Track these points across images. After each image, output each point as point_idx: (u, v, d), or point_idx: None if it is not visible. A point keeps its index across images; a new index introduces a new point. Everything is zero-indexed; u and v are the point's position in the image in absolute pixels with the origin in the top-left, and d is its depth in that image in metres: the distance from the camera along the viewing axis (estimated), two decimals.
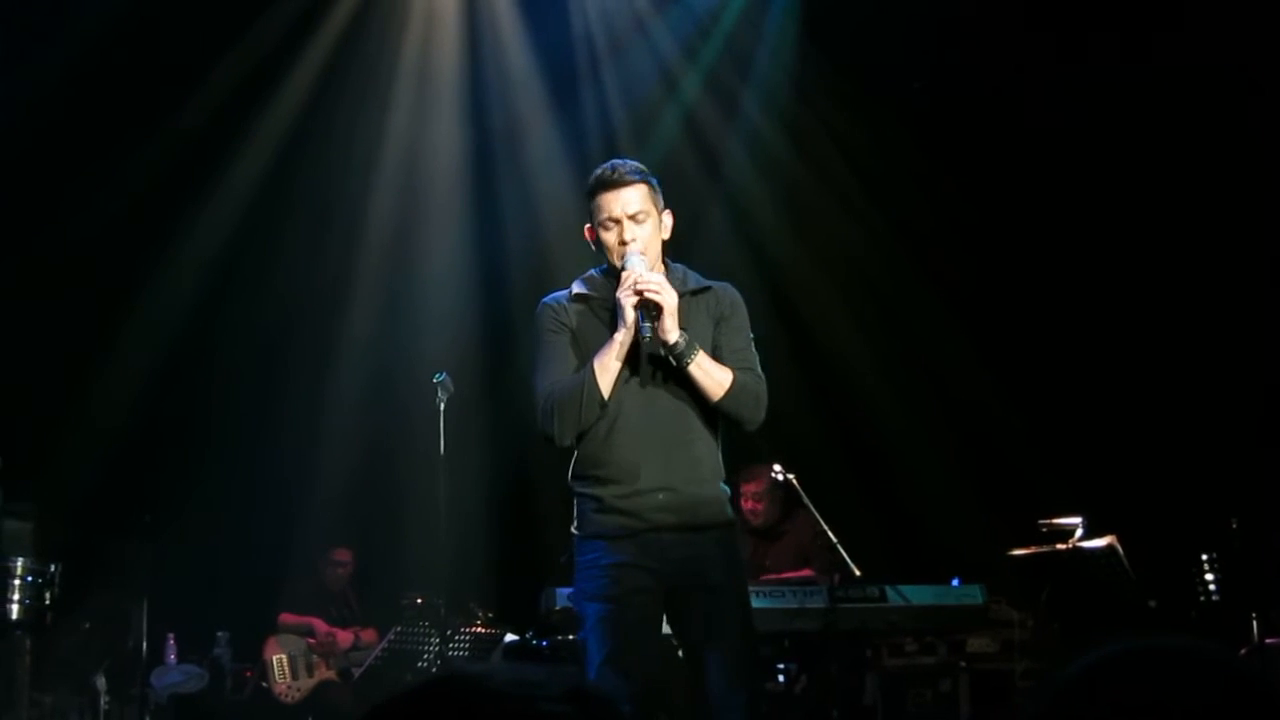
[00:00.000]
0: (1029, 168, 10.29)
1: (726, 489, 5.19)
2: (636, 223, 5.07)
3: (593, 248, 5.24)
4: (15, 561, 7.71)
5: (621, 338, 4.95)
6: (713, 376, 5.01)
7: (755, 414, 5.14)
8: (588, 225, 5.23)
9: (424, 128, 11.26)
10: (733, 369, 5.08)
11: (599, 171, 5.18)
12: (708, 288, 5.25)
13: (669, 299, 4.92)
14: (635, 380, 5.03)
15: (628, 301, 4.91)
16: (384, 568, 10.84)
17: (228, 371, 10.92)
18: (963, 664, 8.41)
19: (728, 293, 5.29)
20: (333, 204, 11.21)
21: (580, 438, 5.07)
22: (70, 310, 10.29)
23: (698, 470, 5.07)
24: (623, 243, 5.05)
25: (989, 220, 10.50)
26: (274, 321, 11.00)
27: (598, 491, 5.03)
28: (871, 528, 9.50)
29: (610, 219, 5.08)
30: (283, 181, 10.90)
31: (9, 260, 9.98)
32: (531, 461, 10.54)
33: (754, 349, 5.24)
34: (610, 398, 4.99)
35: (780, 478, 8.39)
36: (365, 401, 11.17)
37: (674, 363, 4.98)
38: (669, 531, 4.97)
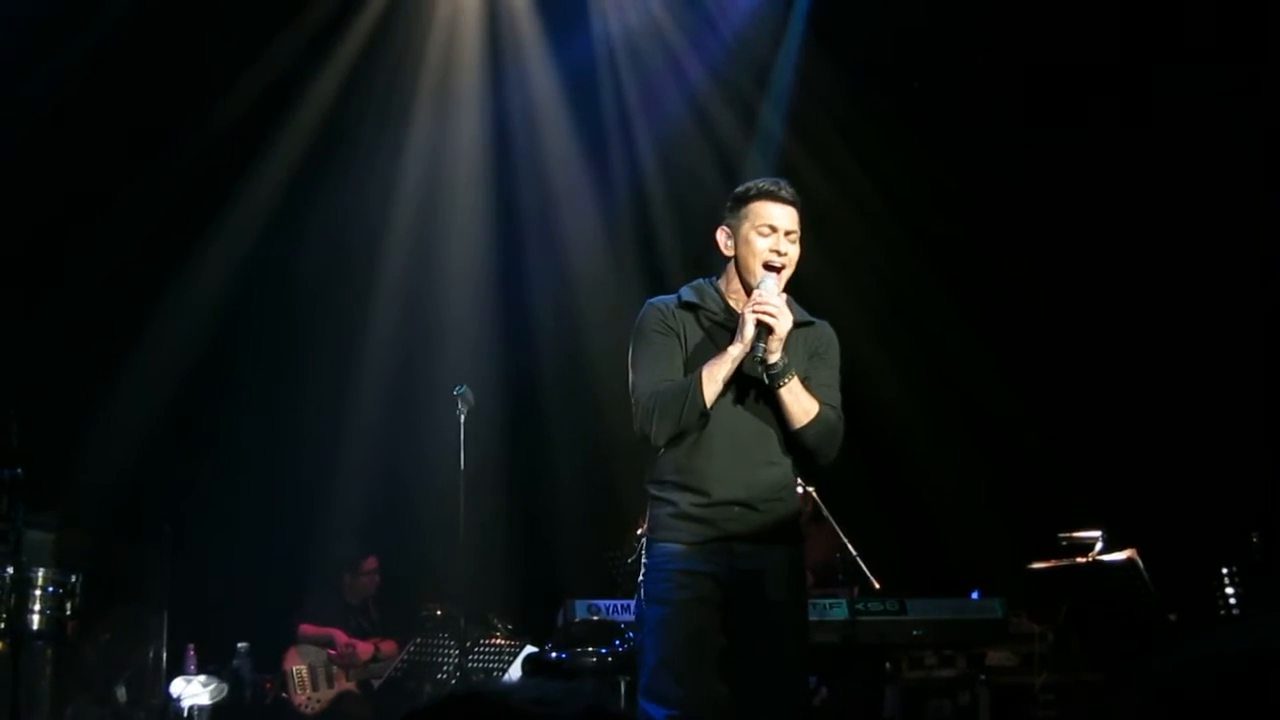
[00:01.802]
0: (1053, 175, 10.25)
1: (797, 510, 5.29)
2: (791, 242, 5.16)
3: (724, 251, 5.24)
4: (36, 572, 7.73)
5: (736, 353, 4.99)
6: (801, 403, 5.08)
7: (831, 449, 5.23)
8: (722, 226, 5.25)
9: (445, 141, 11.29)
10: (819, 400, 5.14)
11: (762, 182, 5.25)
12: (811, 323, 5.34)
13: (784, 324, 4.97)
14: (729, 396, 5.07)
15: (752, 318, 4.96)
16: (404, 580, 10.85)
17: (249, 384, 10.93)
18: (982, 677, 8.37)
19: (826, 330, 5.40)
20: (354, 217, 11.22)
21: (665, 446, 5.11)
22: (92, 322, 10.31)
23: (775, 491, 5.14)
24: (775, 252, 5.11)
25: (1013, 234, 10.48)
26: (295, 333, 11.02)
27: (676, 498, 5.08)
28: (892, 541, 9.50)
29: (770, 226, 5.13)
30: (305, 193, 10.93)
31: (32, 273, 10.02)
32: (551, 473, 10.56)
33: (839, 389, 5.32)
34: (709, 412, 5.03)
35: (800, 490, 8.40)
36: (386, 414, 11.18)
37: (769, 382, 5.04)
38: (740, 541, 5.03)
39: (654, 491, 5.19)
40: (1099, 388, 10.16)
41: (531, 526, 11.05)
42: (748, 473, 5.08)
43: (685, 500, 5.06)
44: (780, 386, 5.04)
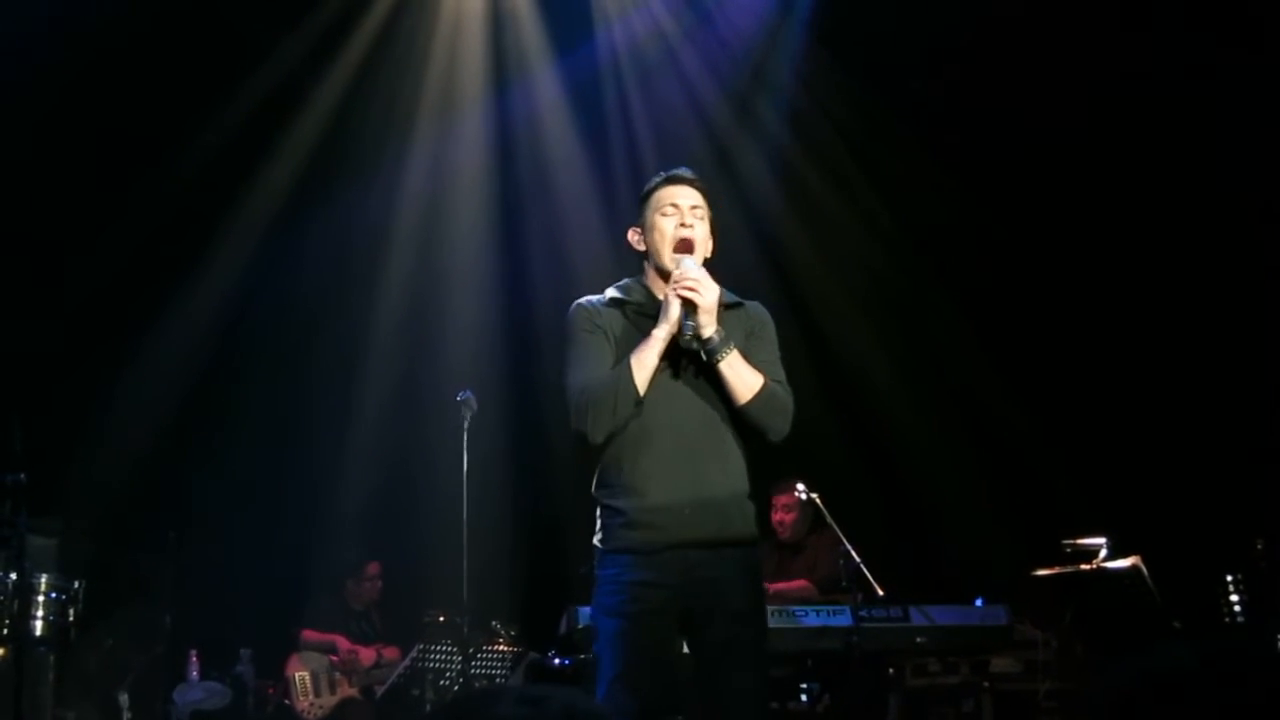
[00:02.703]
0: (1054, 176, 10.24)
1: (752, 505, 5.09)
2: (697, 217, 5.11)
3: (636, 248, 5.22)
4: (39, 578, 7.71)
5: (662, 333, 4.91)
6: (742, 377, 4.96)
7: (782, 424, 5.07)
8: (634, 228, 5.22)
9: (450, 147, 11.29)
10: (763, 374, 5.03)
11: (663, 172, 5.25)
12: (740, 304, 5.22)
13: (709, 296, 4.90)
14: (666, 390, 4.96)
15: (676, 297, 4.91)
16: (407, 586, 10.85)
17: (252, 389, 10.94)
18: (986, 684, 8.38)
19: (758, 310, 5.27)
20: (358, 223, 11.24)
21: (607, 446, 4.99)
22: (96, 326, 10.32)
23: (727, 484, 5.00)
24: (682, 225, 5.06)
25: (1018, 239, 10.47)
26: (299, 339, 11.03)
27: (623, 504, 4.94)
28: (895, 547, 9.50)
29: (672, 205, 5.10)
30: (309, 201, 10.94)
31: (36, 277, 10.03)
32: (555, 479, 10.55)
33: (781, 365, 5.19)
34: (643, 400, 4.92)
35: (804, 497, 8.40)
36: (389, 420, 11.19)
37: (706, 358, 4.93)
38: (694, 548, 4.88)
39: (602, 499, 5.04)
40: (1104, 394, 10.15)
41: (534, 533, 11.05)
42: (696, 468, 4.93)
43: (633, 505, 4.91)
44: (719, 361, 4.92)
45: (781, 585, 8.79)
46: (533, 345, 10.90)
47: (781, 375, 5.15)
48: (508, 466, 10.69)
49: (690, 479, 4.93)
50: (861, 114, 10.86)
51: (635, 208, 5.29)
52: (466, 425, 8.14)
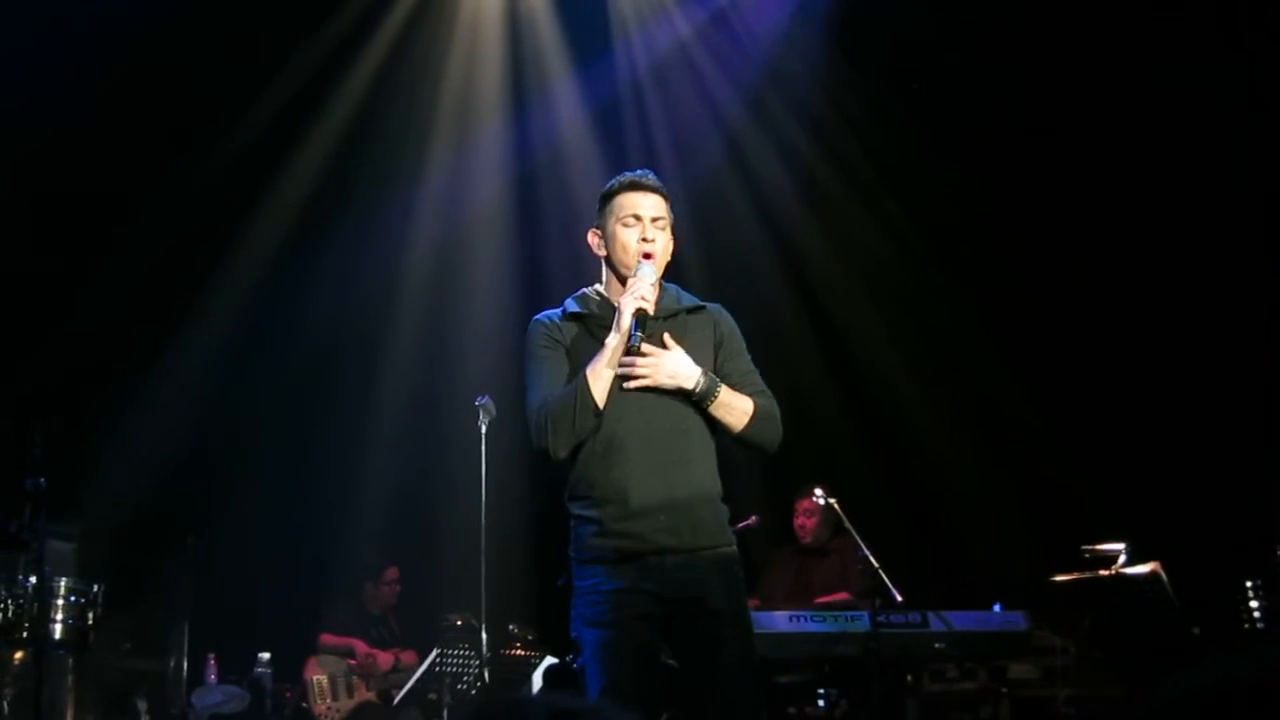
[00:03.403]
0: (1079, 179, 10.20)
1: (726, 509, 5.07)
2: (657, 228, 5.04)
3: (596, 252, 5.18)
4: (58, 581, 7.75)
5: (614, 342, 4.89)
6: (735, 410, 4.96)
7: (775, 438, 5.08)
8: (592, 229, 5.18)
9: (467, 152, 11.30)
10: (750, 395, 5.02)
11: (623, 175, 5.16)
12: (702, 306, 5.19)
13: (672, 344, 4.93)
14: (632, 398, 4.92)
15: (629, 307, 4.88)
16: (425, 589, 10.86)
17: (271, 394, 10.95)
18: (1004, 690, 8.35)
19: (722, 315, 5.23)
20: (375, 229, 11.24)
21: (575, 457, 4.98)
22: (116, 332, 10.34)
23: (698, 489, 4.96)
24: (644, 239, 5.01)
25: (1036, 243, 10.45)
26: (317, 344, 11.03)
27: (595, 513, 4.93)
28: (914, 553, 9.48)
29: (633, 215, 5.04)
30: (326, 206, 10.96)
31: (57, 283, 10.05)
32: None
33: (755, 368, 5.17)
34: (606, 410, 4.90)
35: (822, 501, 8.40)
36: (408, 424, 11.19)
37: (700, 404, 4.92)
38: (670, 554, 4.86)
39: (574, 510, 5.03)
40: (1123, 400, 10.12)
41: (552, 536, 11.02)
42: (663, 474, 4.89)
43: (605, 514, 4.90)
44: (711, 404, 4.92)
45: (826, 599, 8.77)
46: None
47: (760, 382, 5.14)
48: (526, 470, 10.67)
49: (662, 485, 4.90)
50: (879, 113, 10.85)
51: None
52: (485, 429, 8.13)
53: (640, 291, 4.89)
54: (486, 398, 8.21)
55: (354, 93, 10.87)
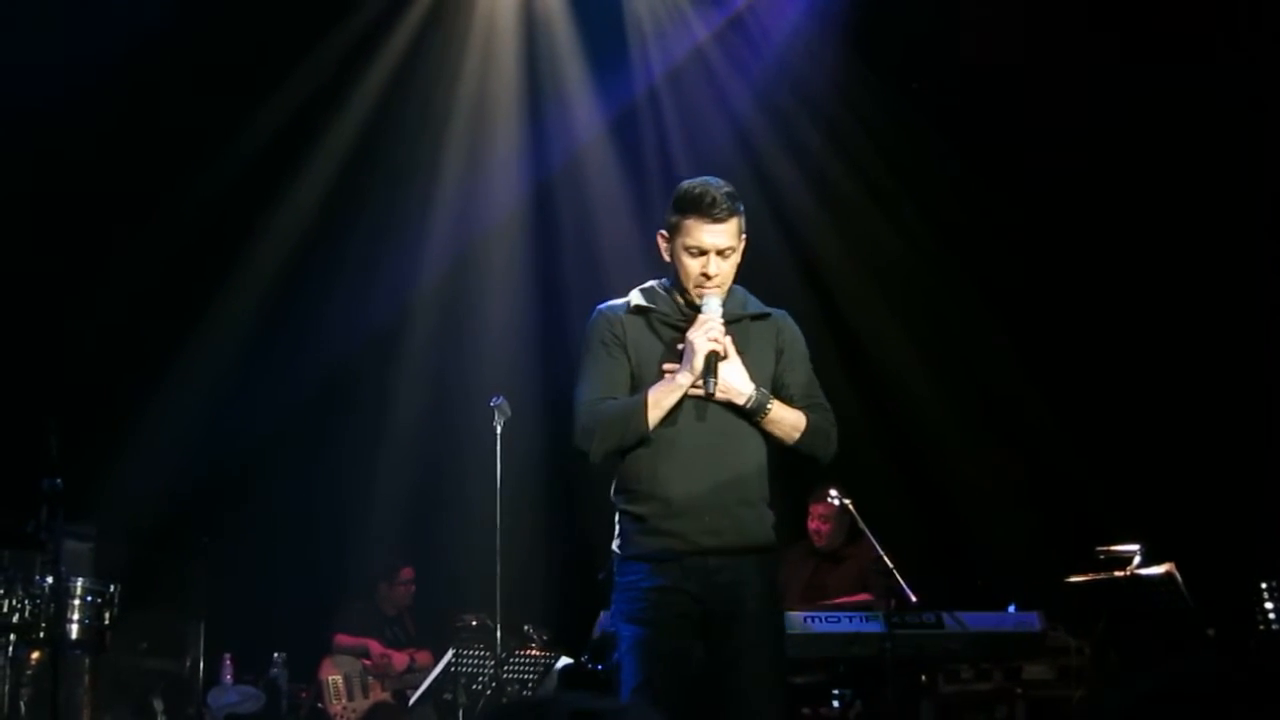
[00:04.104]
0: (1095, 178, 10.19)
1: (771, 514, 5.07)
2: (724, 258, 4.95)
3: (664, 255, 5.09)
4: (75, 581, 7.77)
5: (685, 381, 4.86)
6: (786, 425, 4.98)
7: (828, 450, 5.10)
8: (663, 232, 5.07)
9: (483, 156, 11.31)
10: (804, 409, 5.04)
11: (696, 192, 4.96)
12: (767, 314, 5.17)
13: (730, 354, 4.90)
14: (688, 398, 4.92)
15: (701, 347, 4.84)
16: (440, 590, 10.87)
17: (288, 394, 10.97)
18: (1019, 691, 8.34)
19: (786, 322, 5.21)
20: (392, 229, 11.26)
21: (626, 453, 4.98)
22: (132, 333, 10.37)
23: (746, 492, 4.97)
24: (704, 275, 4.94)
25: (1051, 244, 10.44)
26: (334, 344, 11.05)
27: (642, 510, 4.93)
28: (928, 554, 9.47)
29: (698, 248, 4.92)
30: (342, 208, 10.98)
31: (74, 285, 10.08)
32: (588, 483, 10.54)
33: (815, 379, 5.18)
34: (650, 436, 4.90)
35: (837, 503, 8.39)
36: (423, 425, 11.21)
37: (751, 417, 4.93)
38: (714, 555, 4.87)
39: (620, 504, 5.04)
40: (1138, 401, 10.11)
41: (567, 537, 11.05)
42: (714, 475, 4.90)
43: (652, 511, 4.90)
44: (762, 419, 4.94)
45: (845, 600, 8.76)
46: (567, 349, 10.90)
47: (819, 394, 5.15)
48: (541, 471, 10.69)
49: (709, 487, 4.91)
50: (893, 114, 10.85)
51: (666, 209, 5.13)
52: (500, 430, 8.15)
53: (713, 333, 4.86)
54: (501, 398, 8.23)
55: (370, 95, 10.89)
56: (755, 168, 10.97)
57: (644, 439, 4.90)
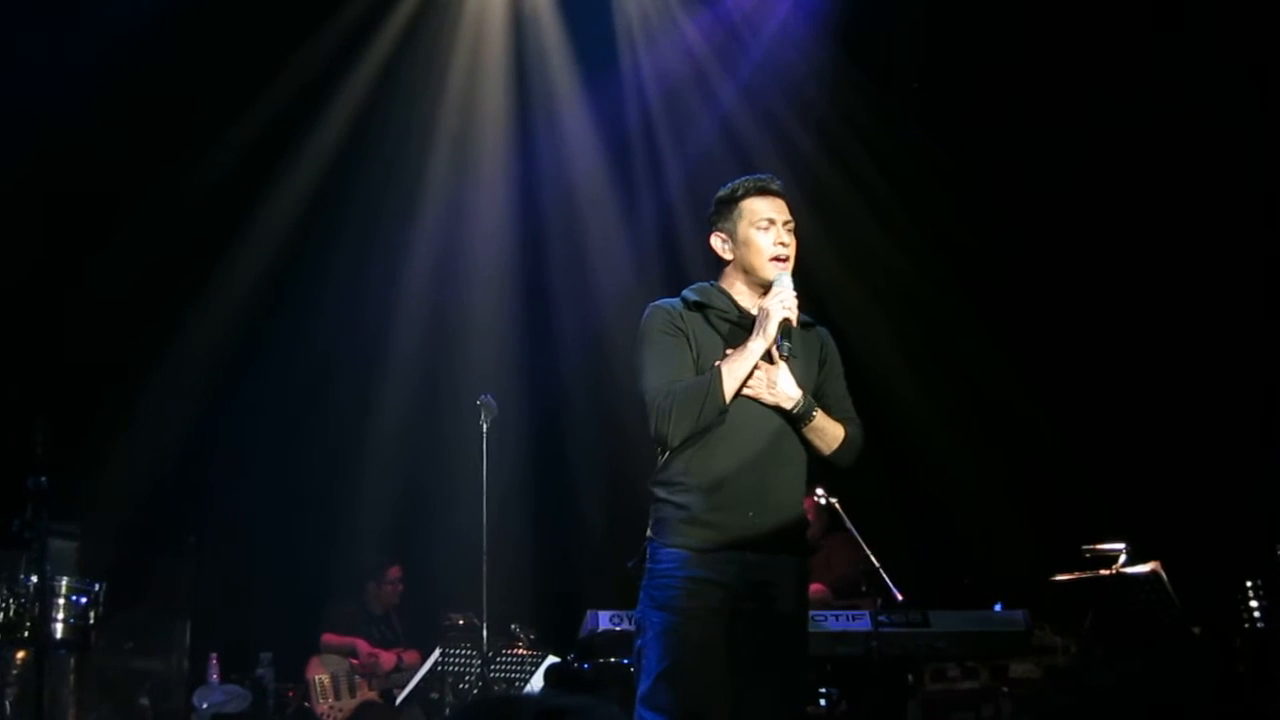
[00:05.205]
0: (1083, 179, 10.20)
1: (809, 520, 5.19)
2: (789, 231, 5.14)
3: (722, 255, 5.20)
4: (60, 581, 7.75)
5: (757, 348, 4.95)
6: (825, 435, 5.09)
7: (853, 461, 5.23)
8: (715, 233, 5.20)
9: (471, 158, 11.30)
10: (841, 421, 5.15)
11: (748, 179, 5.22)
12: (812, 324, 5.29)
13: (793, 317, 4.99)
14: (740, 399, 4.98)
15: (776, 314, 4.94)
16: (427, 589, 10.87)
17: (273, 392, 10.96)
18: (1005, 689, 8.37)
19: (829, 337, 5.35)
20: (379, 227, 11.26)
21: (700, 435, 4.99)
22: (117, 331, 10.35)
23: (789, 493, 5.06)
24: (780, 244, 5.09)
25: (1036, 243, 10.45)
26: (319, 343, 11.04)
27: (687, 500, 4.95)
28: (915, 552, 9.48)
29: (768, 219, 5.11)
30: (329, 204, 10.97)
31: (58, 283, 10.06)
32: (575, 482, 10.55)
33: (848, 392, 5.31)
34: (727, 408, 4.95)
35: (823, 502, 8.40)
36: (409, 423, 11.21)
37: (795, 423, 5.02)
38: (752, 551, 4.92)
39: (661, 494, 5.04)
40: (1124, 399, 10.12)
41: (555, 536, 11.05)
42: (760, 473, 4.96)
43: (696, 502, 4.92)
44: (804, 426, 5.03)
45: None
46: (553, 347, 10.92)
47: (852, 408, 5.29)
48: (528, 469, 10.69)
49: (757, 483, 4.97)
50: (883, 118, 10.85)
51: (706, 212, 5.28)
52: (486, 428, 8.15)
53: (788, 301, 4.96)
54: (488, 396, 8.22)
55: (357, 96, 10.89)
56: (744, 169, 10.93)
57: (722, 412, 4.93)
